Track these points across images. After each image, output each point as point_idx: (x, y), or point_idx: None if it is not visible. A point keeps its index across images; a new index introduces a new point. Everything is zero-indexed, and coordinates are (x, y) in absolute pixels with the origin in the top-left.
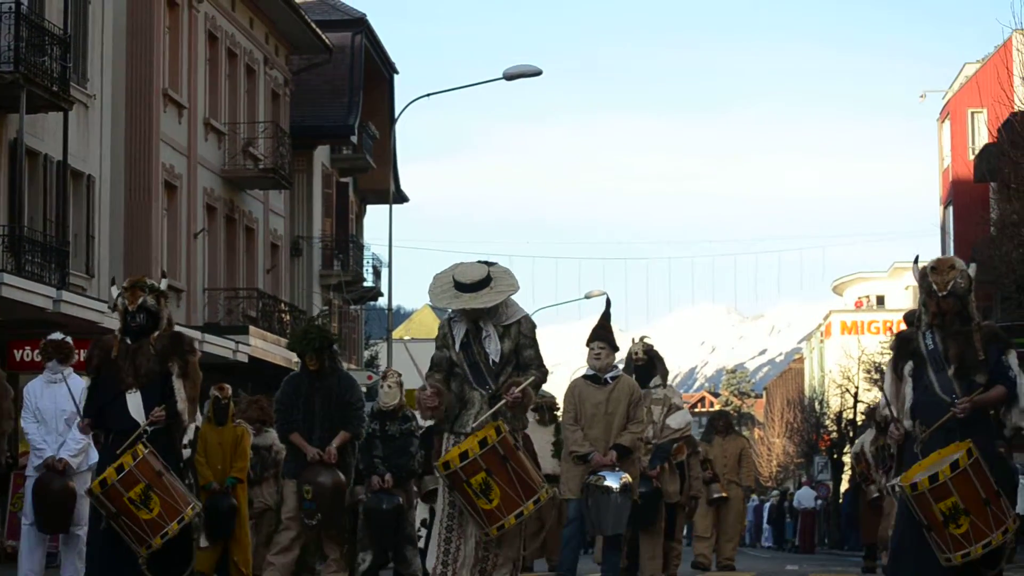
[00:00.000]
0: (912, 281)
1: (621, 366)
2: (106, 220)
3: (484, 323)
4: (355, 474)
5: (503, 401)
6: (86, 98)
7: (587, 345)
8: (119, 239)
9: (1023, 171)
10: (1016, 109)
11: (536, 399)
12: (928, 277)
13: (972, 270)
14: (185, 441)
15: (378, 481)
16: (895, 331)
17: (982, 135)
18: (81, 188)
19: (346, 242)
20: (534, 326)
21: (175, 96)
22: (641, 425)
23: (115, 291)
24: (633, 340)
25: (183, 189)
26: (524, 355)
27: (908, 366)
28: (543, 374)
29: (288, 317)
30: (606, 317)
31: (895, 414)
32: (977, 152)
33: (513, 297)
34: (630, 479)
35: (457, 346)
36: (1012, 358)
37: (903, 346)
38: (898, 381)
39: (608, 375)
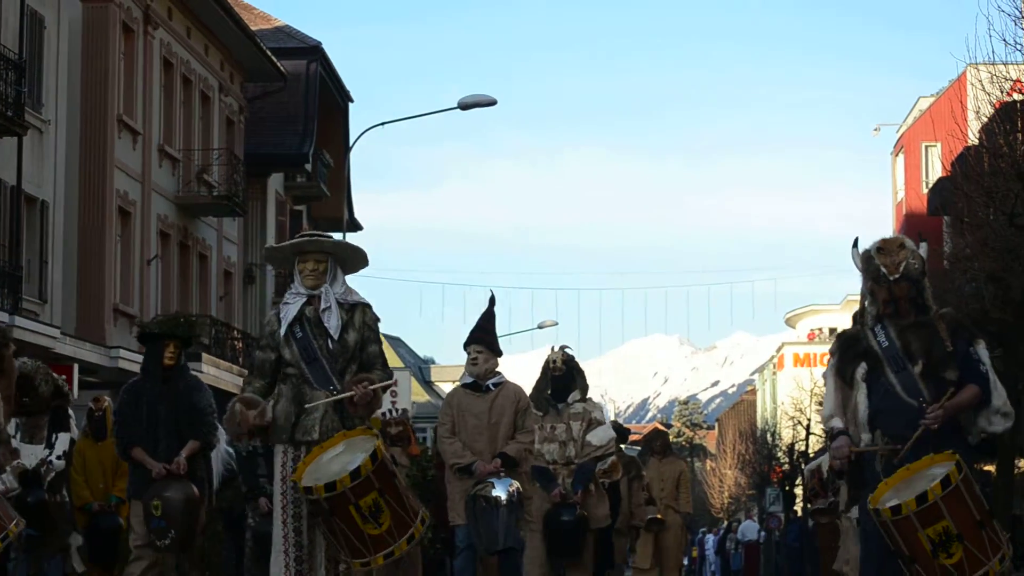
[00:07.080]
0: None
1: (530, 379)
2: (59, 246)
3: (325, 294)
4: (239, 496)
5: (350, 393)
6: (41, 123)
7: (464, 349)
8: (72, 265)
9: (976, 205)
10: (970, 143)
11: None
12: (874, 260)
13: (923, 250)
14: (60, 452)
15: (266, 503)
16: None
17: (936, 169)
18: (35, 213)
19: None
20: (378, 319)
21: (130, 122)
22: (530, 435)
23: None
24: (552, 348)
25: (137, 215)
26: (369, 350)
27: (860, 370)
28: (389, 375)
29: (241, 344)
30: (486, 317)
31: (842, 425)
32: (930, 186)
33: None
34: (520, 487)
35: (283, 331)
36: (982, 349)
37: (850, 346)
38: (846, 388)
39: (489, 382)
